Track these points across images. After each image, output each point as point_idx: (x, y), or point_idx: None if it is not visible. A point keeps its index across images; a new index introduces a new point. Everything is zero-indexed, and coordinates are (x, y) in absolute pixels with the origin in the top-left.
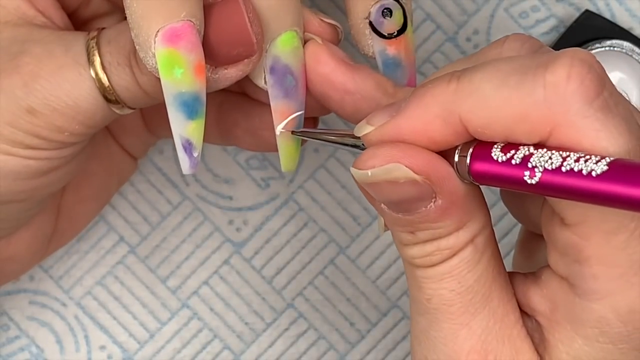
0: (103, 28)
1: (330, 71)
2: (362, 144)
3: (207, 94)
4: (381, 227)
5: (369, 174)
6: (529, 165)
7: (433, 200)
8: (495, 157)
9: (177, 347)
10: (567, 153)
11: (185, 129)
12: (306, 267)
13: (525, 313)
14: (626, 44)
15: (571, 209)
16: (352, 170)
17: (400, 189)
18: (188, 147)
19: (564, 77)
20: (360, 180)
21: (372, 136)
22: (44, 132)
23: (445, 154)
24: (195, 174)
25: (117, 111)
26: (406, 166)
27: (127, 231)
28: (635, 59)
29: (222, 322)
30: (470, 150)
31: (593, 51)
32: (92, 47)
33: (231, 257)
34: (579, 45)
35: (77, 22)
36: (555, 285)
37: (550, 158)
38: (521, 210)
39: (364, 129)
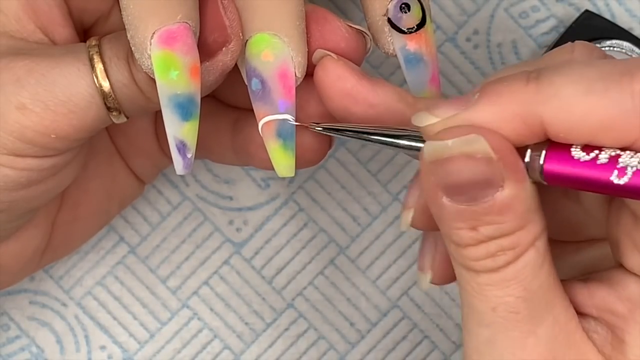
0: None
1: (352, 86)
2: (391, 140)
3: (221, 110)
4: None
5: (449, 143)
6: (618, 165)
7: (500, 189)
8: (576, 157)
9: (177, 347)
10: None
11: (179, 130)
12: (306, 267)
13: (581, 316)
14: (626, 44)
15: None
16: (428, 145)
17: (474, 165)
18: (182, 148)
19: None
20: (435, 155)
21: (437, 127)
22: (29, 134)
23: None
24: (196, 174)
25: (114, 119)
26: (486, 141)
27: (127, 231)
28: None
29: (222, 322)
30: (544, 150)
31: None
32: (94, 51)
33: (231, 257)
34: None
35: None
36: (634, 286)
37: None
38: (549, 217)
39: (426, 119)
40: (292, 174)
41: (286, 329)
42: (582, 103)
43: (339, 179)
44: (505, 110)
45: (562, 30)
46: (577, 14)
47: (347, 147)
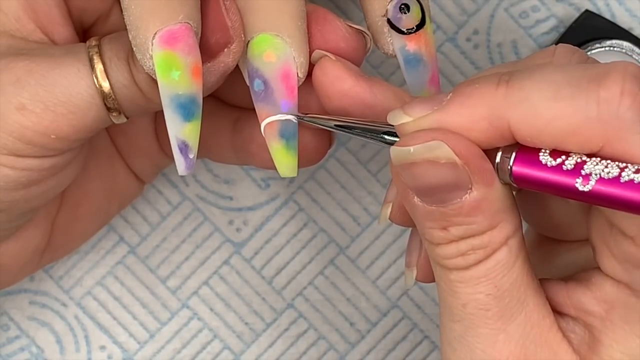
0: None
1: (349, 87)
2: (382, 136)
3: (222, 110)
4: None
5: (411, 150)
6: (583, 172)
7: (468, 192)
8: (543, 162)
9: (177, 347)
10: (624, 164)
11: (181, 130)
12: (306, 267)
13: (559, 315)
14: (626, 44)
15: (631, 222)
16: (392, 149)
17: (439, 170)
18: (184, 148)
19: (617, 93)
20: (400, 160)
21: (409, 127)
22: (29, 134)
23: (486, 154)
24: (196, 174)
25: (114, 119)
26: (449, 146)
27: (127, 231)
28: (635, 59)
29: (222, 322)
30: (514, 153)
31: (593, 51)
32: (94, 52)
33: (231, 257)
34: (579, 45)
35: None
36: (610, 288)
37: (606, 167)
38: (541, 215)
39: (400, 118)
40: (295, 174)
41: (286, 329)
42: (548, 109)
43: (339, 179)
44: (474, 113)
45: (562, 30)
46: (577, 14)
47: (347, 147)
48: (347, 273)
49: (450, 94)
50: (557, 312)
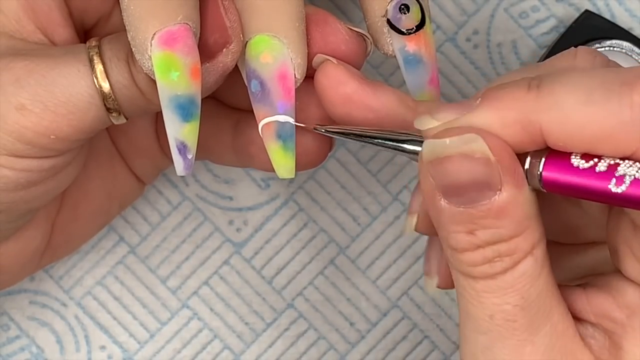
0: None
1: (352, 91)
2: (394, 144)
3: (222, 112)
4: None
5: (447, 142)
6: (617, 174)
7: (498, 193)
8: (575, 164)
9: (177, 347)
10: None
11: (180, 131)
12: (306, 267)
13: (578, 321)
14: (626, 44)
15: None
16: (426, 144)
17: (473, 166)
18: (183, 149)
19: None
20: (434, 153)
21: (438, 131)
22: (29, 134)
23: None
24: (196, 174)
25: (113, 120)
26: (484, 141)
27: (127, 231)
28: (635, 59)
29: (222, 322)
30: (543, 157)
31: None
32: (94, 52)
33: (231, 257)
34: (579, 45)
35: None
36: (633, 293)
37: None
38: (548, 218)
39: (428, 123)
40: (293, 175)
41: (286, 329)
42: (581, 113)
43: (339, 179)
44: (506, 117)
45: (562, 30)
46: (577, 14)
47: (347, 148)
48: (347, 273)
49: (480, 99)
50: (576, 319)
